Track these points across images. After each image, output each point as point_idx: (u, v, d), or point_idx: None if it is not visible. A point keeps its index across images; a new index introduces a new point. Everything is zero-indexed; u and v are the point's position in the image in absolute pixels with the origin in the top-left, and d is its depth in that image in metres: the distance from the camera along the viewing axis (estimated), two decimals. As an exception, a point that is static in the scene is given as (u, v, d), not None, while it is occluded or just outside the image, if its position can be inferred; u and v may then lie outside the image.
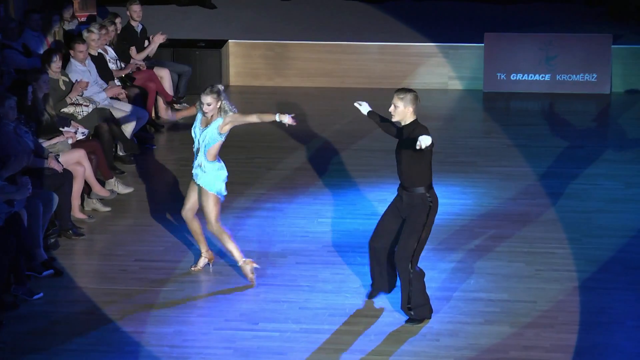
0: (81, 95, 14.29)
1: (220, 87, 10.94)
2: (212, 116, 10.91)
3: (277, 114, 10.72)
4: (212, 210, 11.02)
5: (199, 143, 11.02)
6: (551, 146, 15.71)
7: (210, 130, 10.91)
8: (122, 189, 13.80)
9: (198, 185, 11.10)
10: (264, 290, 11.10)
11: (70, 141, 13.30)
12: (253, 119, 10.91)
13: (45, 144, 12.90)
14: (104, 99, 14.80)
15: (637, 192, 13.85)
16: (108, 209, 13.34)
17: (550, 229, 12.72)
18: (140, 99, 15.84)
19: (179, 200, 13.31)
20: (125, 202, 13.56)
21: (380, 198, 13.55)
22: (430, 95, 18.25)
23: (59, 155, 12.82)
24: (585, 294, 11.08)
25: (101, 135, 14.25)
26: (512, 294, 11.08)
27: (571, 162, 15.02)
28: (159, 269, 11.67)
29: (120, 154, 14.89)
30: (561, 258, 11.91)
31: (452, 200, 13.57)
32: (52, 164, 12.47)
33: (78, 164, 13.00)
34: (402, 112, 10.15)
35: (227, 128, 10.93)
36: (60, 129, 13.25)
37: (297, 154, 15.37)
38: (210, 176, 11.03)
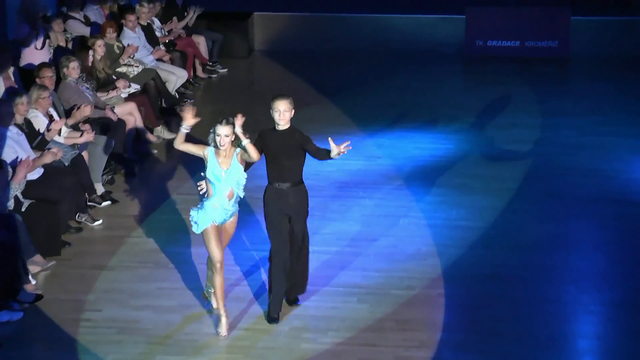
0: (132, 58, 14.33)
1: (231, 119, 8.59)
2: (228, 151, 8.59)
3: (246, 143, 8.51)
4: (233, 232, 8.93)
5: (229, 185, 8.62)
6: (520, 101, 15.69)
7: (237, 170, 8.64)
8: (167, 135, 13.84)
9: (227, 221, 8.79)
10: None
11: (123, 95, 13.36)
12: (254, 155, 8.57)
13: (103, 97, 12.96)
14: (151, 61, 14.84)
15: (591, 139, 13.83)
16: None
17: (519, 169, 12.72)
18: (180, 61, 15.88)
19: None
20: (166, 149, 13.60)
21: (379, 143, 13.60)
22: (417, 59, 18.20)
23: (114, 107, 12.88)
24: (547, 222, 11.11)
25: (149, 91, 14.28)
26: (487, 223, 11.10)
27: (537, 114, 14.99)
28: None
29: (165, 106, 14.93)
30: (527, 193, 11.94)
31: (437, 145, 13.60)
32: (108, 114, 12.54)
33: (130, 114, 13.06)
34: (290, 116, 8.76)
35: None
36: (116, 84, 13.32)
37: (309, 108, 15.34)
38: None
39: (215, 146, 8.57)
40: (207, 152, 8.59)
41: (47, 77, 11.70)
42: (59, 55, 12.95)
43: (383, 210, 11.45)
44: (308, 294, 9.37)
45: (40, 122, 11.10)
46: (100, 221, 11.13)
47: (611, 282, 9.78)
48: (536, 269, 10.03)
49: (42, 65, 11.95)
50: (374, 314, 9.14)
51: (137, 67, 14.28)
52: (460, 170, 12.69)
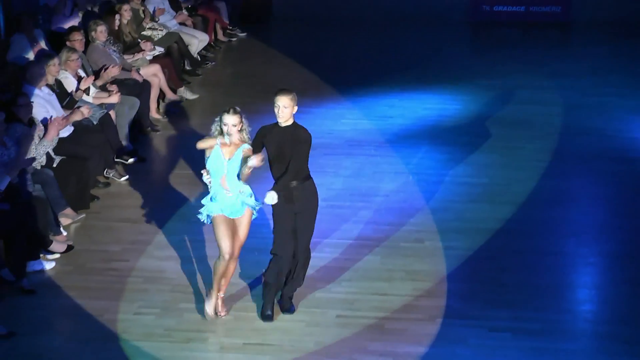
0: (156, 22, 14.31)
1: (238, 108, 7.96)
2: (233, 142, 7.91)
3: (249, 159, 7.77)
4: (247, 228, 8.13)
5: (228, 174, 7.95)
6: (524, 64, 15.62)
7: (237, 161, 7.90)
8: (189, 95, 13.84)
9: (238, 215, 8.06)
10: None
11: (148, 57, 13.35)
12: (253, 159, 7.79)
13: (129, 60, 12.95)
14: (174, 25, 14.81)
15: (591, 100, 13.80)
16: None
17: (522, 128, 12.70)
18: (202, 25, 15.85)
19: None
20: (194, 107, 13.59)
21: (389, 104, 13.59)
22: (426, 24, 18.11)
23: (139, 68, 12.88)
24: (549, 179, 11.11)
25: (172, 54, 14.27)
26: (491, 179, 11.11)
27: (540, 76, 14.95)
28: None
29: (187, 68, 14.91)
30: (530, 152, 11.90)
31: (445, 105, 13.58)
32: (134, 75, 12.54)
33: (154, 75, 13.06)
34: (291, 112, 7.99)
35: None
36: (141, 46, 13.31)
37: (324, 70, 15.32)
38: (249, 196, 8.07)
39: (221, 134, 7.89)
40: (213, 143, 7.95)
41: (77, 40, 11.73)
42: (88, 20, 12.94)
43: (393, 167, 11.45)
44: (322, 246, 9.39)
45: (69, 83, 11.12)
46: (127, 177, 11.15)
47: (609, 235, 9.79)
48: (538, 222, 10.03)
49: (72, 28, 11.97)
50: (384, 265, 9.17)
51: (161, 30, 14.26)
52: (466, 130, 12.66)
